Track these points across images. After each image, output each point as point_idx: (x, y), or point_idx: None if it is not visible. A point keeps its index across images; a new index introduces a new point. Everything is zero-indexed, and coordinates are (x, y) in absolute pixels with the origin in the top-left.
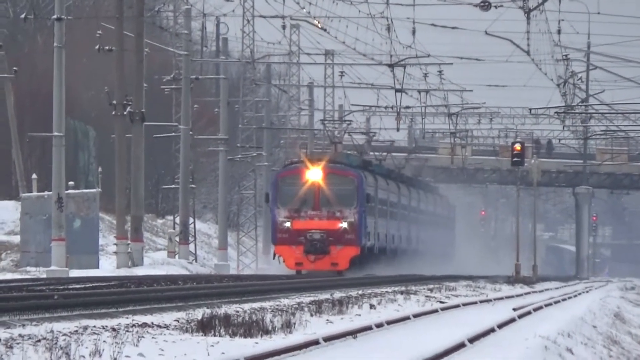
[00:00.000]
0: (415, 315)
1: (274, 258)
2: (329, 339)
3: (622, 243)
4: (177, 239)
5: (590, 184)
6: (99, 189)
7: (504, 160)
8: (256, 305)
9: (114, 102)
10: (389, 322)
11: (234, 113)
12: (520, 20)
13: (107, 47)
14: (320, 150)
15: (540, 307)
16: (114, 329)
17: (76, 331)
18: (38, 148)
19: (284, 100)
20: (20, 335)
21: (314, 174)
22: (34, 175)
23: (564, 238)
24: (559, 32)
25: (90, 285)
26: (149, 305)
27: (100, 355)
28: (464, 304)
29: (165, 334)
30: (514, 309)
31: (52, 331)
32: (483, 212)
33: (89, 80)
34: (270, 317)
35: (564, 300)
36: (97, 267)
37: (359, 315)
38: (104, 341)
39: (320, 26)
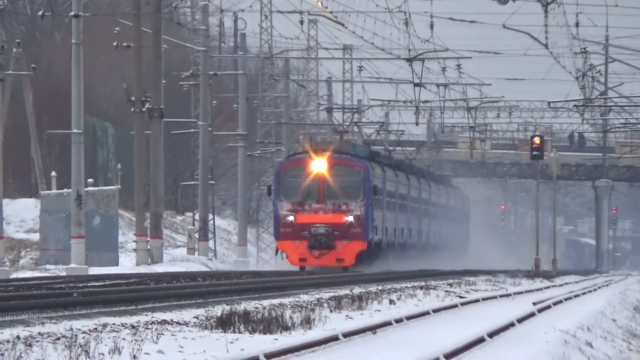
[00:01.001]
0: (435, 311)
1: (276, 254)
2: (348, 334)
3: None
4: (197, 235)
5: (609, 177)
6: (118, 186)
7: (523, 154)
8: (275, 301)
9: (133, 98)
10: (409, 318)
11: (253, 109)
12: (538, 14)
13: (125, 44)
14: (326, 140)
15: (560, 301)
16: (133, 327)
17: (95, 329)
18: (57, 145)
19: (302, 95)
20: (39, 333)
21: (319, 165)
22: (53, 173)
23: (584, 232)
24: (577, 24)
25: (110, 282)
26: (169, 302)
27: (119, 353)
28: (484, 299)
29: (184, 331)
30: (534, 303)
31: (71, 329)
32: (503, 207)
33: (107, 77)
34: (290, 313)
35: (583, 294)
36: (117, 265)
37: (379, 310)
38: (124, 339)
39: (338, 21)
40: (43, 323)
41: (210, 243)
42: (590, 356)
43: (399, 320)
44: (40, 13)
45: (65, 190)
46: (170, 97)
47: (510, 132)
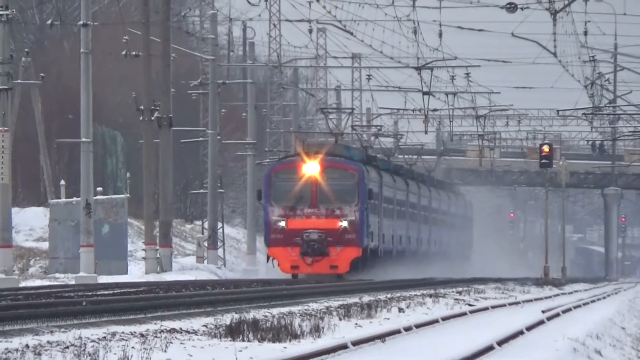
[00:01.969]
0: (444, 319)
1: (267, 261)
2: (357, 343)
3: None
4: (206, 244)
5: (618, 185)
6: (127, 195)
7: (532, 162)
8: (285, 309)
9: (142, 107)
10: (418, 326)
11: (262, 117)
12: (547, 22)
13: (133, 53)
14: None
15: (569, 309)
16: (142, 335)
17: (104, 337)
18: (66, 154)
19: (311, 104)
20: (48, 342)
21: (311, 168)
22: (62, 182)
23: (593, 239)
24: (585, 33)
25: (119, 291)
26: (178, 310)
27: None
28: (493, 307)
29: (193, 340)
30: (543, 311)
31: (80, 338)
32: (512, 214)
33: (116, 86)
34: (299, 321)
35: (593, 302)
36: (126, 273)
37: (388, 318)
38: (133, 347)
39: (346, 29)
40: (52, 332)
41: (220, 251)
42: None
43: (408, 329)
44: (49, 22)
45: (75, 198)
46: (179, 105)
47: (519, 140)
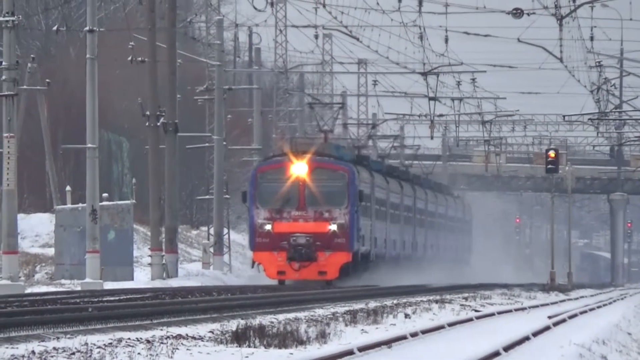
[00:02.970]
0: (450, 324)
1: (252, 266)
2: (363, 349)
3: None
4: (212, 250)
5: (625, 190)
6: (133, 201)
7: (538, 168)
8: (291, 315)
9: (147, 113)
10: (424, 332)
11: (268, 123)
12: (553, 28)
13: (139, 59)
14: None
15: (576, 315)
16: (148, 341)
17: (110, 344)
18: (72, 160)
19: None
20: (54, 348)
21: (298, 169)
22: (68, 187)
23: (599, 245)
24: (591, 38)
25: (125, 297)
26: (184, 316)
27: None
28: (499, 312)
29: (199, 346)
30: (549, 317)
31: (86, 344)
32: (518, 220)
33: (122, 92)
34: (305, 327)
35: (599, 307)
36: (132, 279)
37: (394, 324)
38: (139, 353)
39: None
40: (58, 338)
41: (225, 257)
42: None
43: (414, 334)
44: (55, 28)
45: (80, 204)
46: (185, 111)
47: (525, 146)
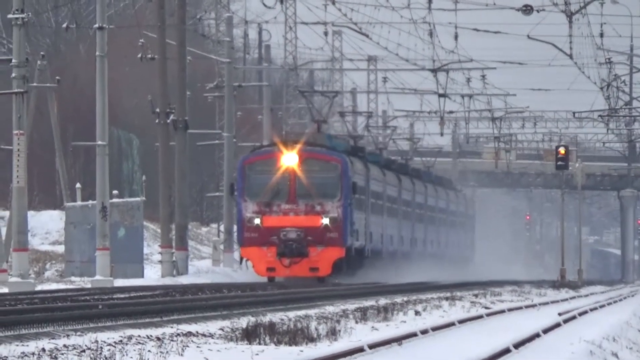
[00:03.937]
0: (461, 321)
1: (240, 263)
2: (373, 346)
3: None
4: (222, 247)
5: (635, 187)
6: (143, 198)
7: (548, 164)
8: (301, 313)
9: (157, 110)
10: (434, 329)
11: (277, 120)
12: (563, 24)
13: (149, 56)
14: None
15: (586, 312)
16: (158, 339)
17: (121, 341)
18: (82, 157)
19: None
20: (65, 345)
21: (289, 159)
22: (78, 185)
23: (610, 242)
24: (601, 35)
25: (135, 294)
26: (194, 314)
27: None
28: (509, 309)
29: (210, 343)
30: (559, 314)
31: (96, 341)
32: (528, 217)
33: (131, 89)
34: (315, 324)
35: (609, 304)
36: (142, 276)
37: (404, 321)
38: (149, 351)
39: (362, 32)
40: (68, 335)
41: (236, 254)
42: None
43: (424, 331)
44: (64, 26)
45: (90, 202)
46: (194, 108)
47: (535, 142)
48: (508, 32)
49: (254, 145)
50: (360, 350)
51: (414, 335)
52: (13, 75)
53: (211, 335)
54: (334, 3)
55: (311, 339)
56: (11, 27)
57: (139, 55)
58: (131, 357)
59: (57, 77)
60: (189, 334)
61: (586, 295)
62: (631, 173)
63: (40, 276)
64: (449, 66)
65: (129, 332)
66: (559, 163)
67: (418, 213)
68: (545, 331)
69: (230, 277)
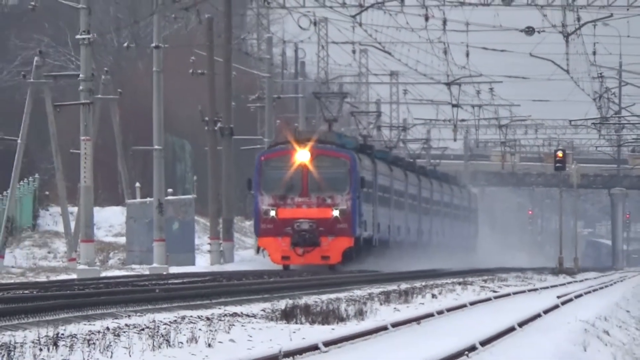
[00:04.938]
0: (472, 303)
1: (257, 252)
2: (396, 325)
3: None
4: None
5: (624, 185)
6: (195, 195)
7: (548, 166)
8: (332, 296)
9: (207, 119)
10: (449, 310)
11: (312, 127)
12: (560, 44)
13: (199, 71)
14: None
15: (581, 295)
16: (208, 319)
17: (175, 321)
18: (141, 160)
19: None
20: (126, 324)
21: (302, 156)
22: (138, 184)
23: (602, 233)
24: (594, 53)
25: (187, 280)
26: (239, 297)
27: (196, 342)
28: (514, 293)
29: (253, 322)
30: (558, 297)
31: (154, 321)
32: (530, 212)
33: (184, 100)
34: (345, 306)
35: (601, 288)
36: (193, 264)
37: (423, 303)
38: (200, 329)
39: (385, 50)
40: (129, 316)
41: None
42: (607, 343)
43: (440, 312)
44: (125, 45)
45: (148, 199)
46: (239, 117)
47: (537, 147)
48: (513, 50)
49: (270, 143)
50: (384, 328)
51: (431, 315)
52: (80, 88)
53: (254, 316)
54: (360, 25)
55: (341, 319)
56: (79, 46)
57: (191, 71)
58: (184, 335)
59: (119, 90)
60: (234, 314)
61: (581, 281)
62: (620, 173)
63: (104, 264)
64: (461, 80)
65: (182, 312)
66: (557, 165)
67: (424, 206)
68: (546, 312)
69: (270, 265)
